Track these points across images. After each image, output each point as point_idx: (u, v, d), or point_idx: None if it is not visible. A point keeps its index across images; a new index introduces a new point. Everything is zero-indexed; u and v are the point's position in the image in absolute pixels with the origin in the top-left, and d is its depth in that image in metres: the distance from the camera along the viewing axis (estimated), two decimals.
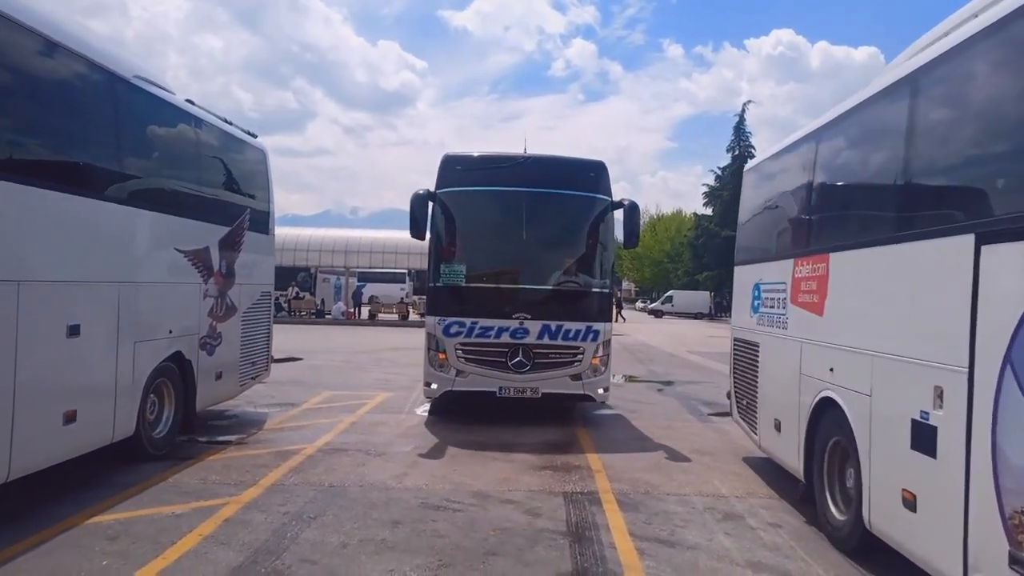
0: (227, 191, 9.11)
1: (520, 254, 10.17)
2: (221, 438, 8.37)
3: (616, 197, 10.19)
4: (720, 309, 60.75)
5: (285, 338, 20.45)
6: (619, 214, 10.37)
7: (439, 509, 5.96)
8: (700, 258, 60.51)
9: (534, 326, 9.53)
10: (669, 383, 15.06)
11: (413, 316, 36.76)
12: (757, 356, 7.43)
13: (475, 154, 10.50)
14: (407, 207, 9.66)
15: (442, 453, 8.01)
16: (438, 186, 9.84)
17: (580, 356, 9.66)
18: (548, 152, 11.56)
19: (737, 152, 65.39)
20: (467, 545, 5.14)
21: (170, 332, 7.45)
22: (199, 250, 8.04)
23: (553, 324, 9.59)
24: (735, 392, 8.34)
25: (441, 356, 9.56)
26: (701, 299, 59.41)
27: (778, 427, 6.72)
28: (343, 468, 7.15)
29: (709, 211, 65.80)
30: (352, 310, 38.79)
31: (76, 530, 5.16)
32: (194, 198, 8.12)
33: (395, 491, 6.44)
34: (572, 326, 9.65)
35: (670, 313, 58.88)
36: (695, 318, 55.33)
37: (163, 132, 7.67)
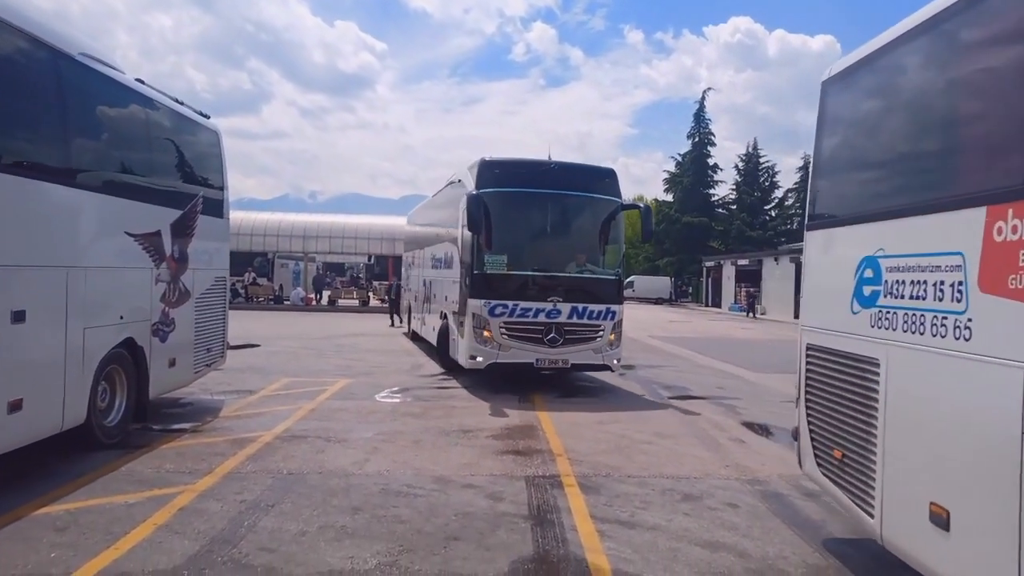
0: (179, 173, 8.88)
1: (551, 246, 11.93)
2: (176, 426, 8.19)
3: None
4: (680, 294, 61.56)
5: (242, 324, 20.15)
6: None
7: (400, 495, 5.92)
8: (661, 244, 61.11)
9: (565, 308, 11.29)
10: (630, 367, 15.19)
11: (374, 302, 36.47)
12: (876, 384, 4.15)
13: (510, 159, 12.20)
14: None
15: (404, 439, 7.96)
16: (478, 187, 11.31)
17: (601, 333, 11.54)
18: (563, 158, 13.59)
19: (697, 139, 66.15)
20: (428, 530, 5.12)
21: (121, 318, 7.25)
22: (150, 234, 7.82)
23: (580, 306, 11.41)
24: (813, 432, 5.01)
25: (486, 333, 11.19)
26: (662, 284, 60.08)
27: (946, 522, 3.57)
28: (302, 455, 7.06)
29: (669, 197, 66.48)
30: (313, 296, 38.33)
31: (23, 522, 5.00)
32: (145, 181, 7.89)
33: (355, 477, 6.38)
34: (595, 307, 11.50)
35: (631, 298, 59.24)
36: (656, 303, 55.94)
37: (111, 112, 7.42)
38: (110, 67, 7.29)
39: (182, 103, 8.99)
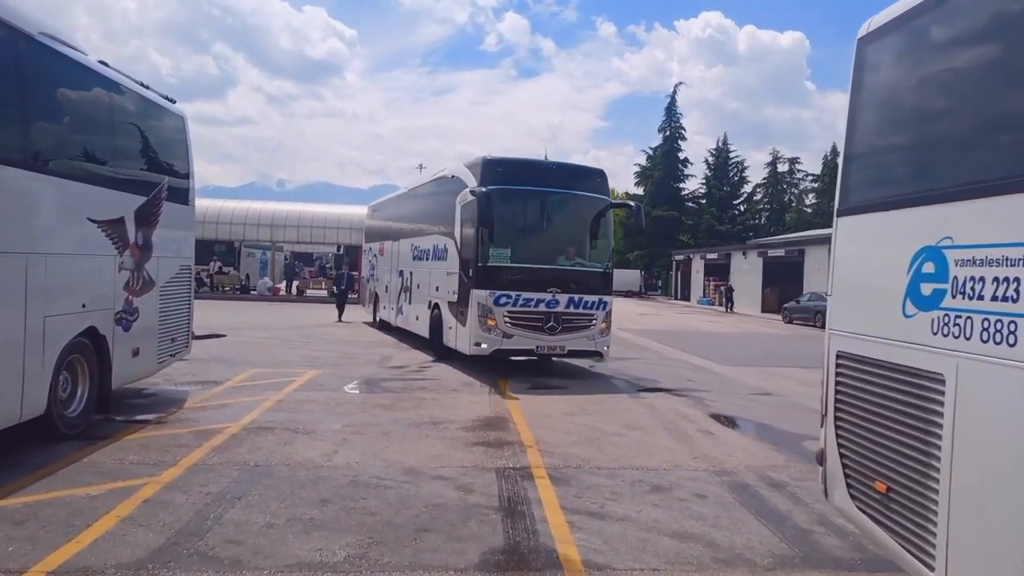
0: (144, 159, 8.67)
1: (549, 241, 12.63)
2: (139, 417, 8.03)
3: None
4: (650, 287, 62.04)
5: (208, 314, 19.83)
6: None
7: (370, 487, 5.87)
8: (631, 237, 61.52)
9: (563, 298, 12.15)
10: (599, 360, 15.25)
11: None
12: (939, 405, 3.29)
13: (511, 158, 13.07)
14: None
15: (373, 431, 7.90)
16: (482, 184, 11.93)
17: (594, 322, 12.45)
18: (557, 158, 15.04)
19: (668, 133, 66.67)
20: (398, 522, 5.08)
21: (83, 306, 7.07)
22: (113, 221, 7.63)
23: (576, 297, 12.26)
24: (846, 458, 4.16)
25: (491, 321, 11.92)
26: (632, 277, 60.47)
27: None
28: (269, 447, 6.97)
29: (640, 191, 66.91)
30: (281, 286, 37.87)
31: None
32: (108, 166, 7.70)
33: (324, 469, 6.31)
34: (589, 298, 12.39)
35: None
36: (626, 296, 56.30)
37: (73, 95, 7.21)
38: (72, 48, 7.07)
39: (147, 87, 8.78)
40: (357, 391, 10.35)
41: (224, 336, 16.70)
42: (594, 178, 13.09)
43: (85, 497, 5.30)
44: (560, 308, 12.12)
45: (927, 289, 3.44)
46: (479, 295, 11.98)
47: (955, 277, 3.25)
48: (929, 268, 3.44)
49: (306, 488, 5.74)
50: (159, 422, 7.88)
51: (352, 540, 4.70)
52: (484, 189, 11.76)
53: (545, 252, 12.51)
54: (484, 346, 12.03)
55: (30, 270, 6.10)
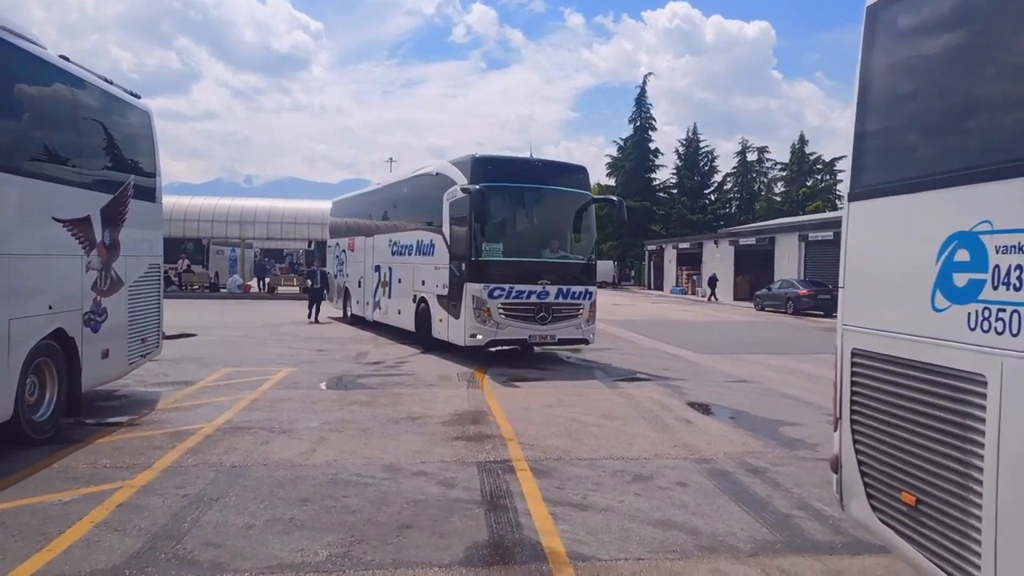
0: (109, 156, 8.46)
1: (538, 235, 13.35)
2: (111, 419, 7.87)
3: None
4: (623, 278, 62.33)
5: (178, 314, 19.52)
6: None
7: (350, 484, 5.80)
8: (604, 228, 61.70)
9: (552, 289, 12.76)
10: (576, 350, 15.29)
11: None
12: (979, 409, 2.96)
13: (499, 156, 13.70)
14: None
15: (351, 428, 7.81)
16: (472, 181, 12.41)
17: (581, 311, 13.13)
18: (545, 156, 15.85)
19: (639, 123, 66.89)
20: (380, 519, 5.03)
21: (49, 308, 6.89)
22: (79, 220, 7.43)
23: (564, 288, 12.91)
24: (865, 467, 3.80)
25: (485, 313, 12.43)
26: (605, 268, 60.65)
27: None
28: (245, 447, 6.86)
29: (612, 182, 67.11)
30: (251, 283, 37.38)
31: None
32: (71, 163, 7.50)
33: (302, 468, 6.23)
34: (576, 289, 13.07)
35: None
36: (599, 287, 56.51)
37: (32, 91, 7.00)
38: (31, 42, 6.87)
39: (111, 82, 8.56)
40: (333, 388, 10.24)
41: (195, 335, 16.43)
42: (577, 174, 13.85)
43: (57, 503, 5.17)
44: (550, 299, 12.75)
45: (961, 280, 3.08)
46: (473, 288, 12.48)
47: (996, 266, 2.90)
48: (963, 256, 3.09)
49: (284, 488, 5.66)
50: (131, 424, 7.72)
51: (334, 539, 4.64)
52: (477, 186, 12.18)
53: (535, 246, 13.17)
54: (480, 337, 12.50)
55: None
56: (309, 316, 21.92)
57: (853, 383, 3.87)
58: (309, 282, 23.45)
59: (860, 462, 3.79)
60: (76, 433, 7.21)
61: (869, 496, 3.72)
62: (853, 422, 3.85)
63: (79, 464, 6.19)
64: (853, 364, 3.87)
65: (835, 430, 4.04)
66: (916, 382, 3.32)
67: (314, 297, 22.34)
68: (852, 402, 3.87)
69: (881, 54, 3.90)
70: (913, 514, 3.35)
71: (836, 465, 4.03)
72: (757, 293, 35.16)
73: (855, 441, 3.83)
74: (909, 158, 3.75)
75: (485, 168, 12.77)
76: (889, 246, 3.72)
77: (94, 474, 5.91)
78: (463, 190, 12.53)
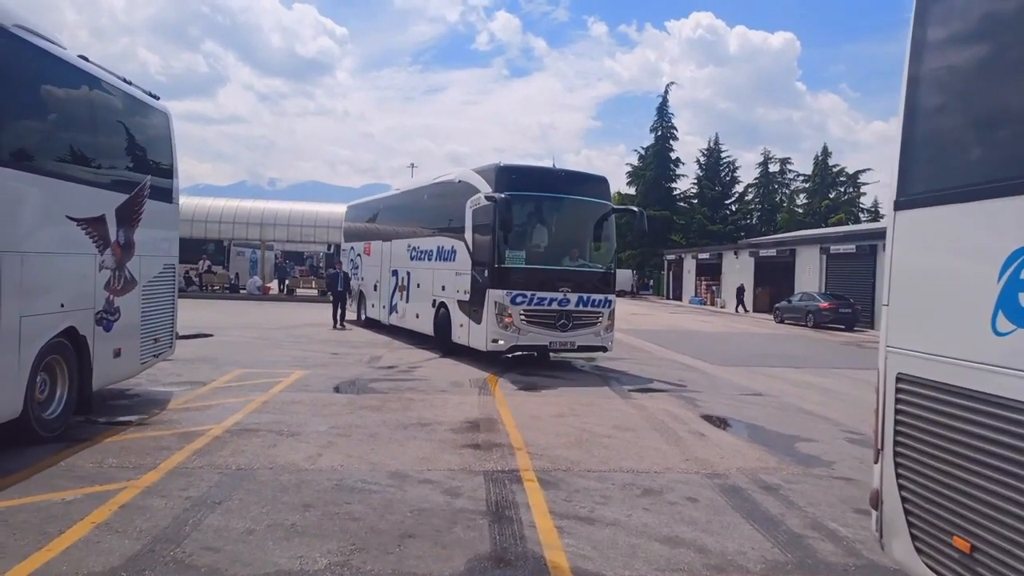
0: (125, 156, 8.50)
1: (560, 243, 13.47)
2: (121, 418, 7.87)
3: None
4: (642, 287, 62.02)
5: (196, 314, 19.66)
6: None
7: (354, 491, 5.74)
8: (623, 237, 61.50)
9: (573, 297, 12.98)
10: (591, 359, 15.17)
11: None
12: None
13: (523, 166, 13.99)
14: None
15: (360, 433, 7.76)
16: (497, 190, 12.60)
17: (600, 319, 13.35)
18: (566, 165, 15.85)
19: (660, 132, 66.64)
20: (382, 528, 4.95)
21: (62, 306, 6.90)
22: (94, 219, 7.46)
23: (585, 295, 13.12)
24: (910, 506, 3.43)
25: (507, 319, 12.65)
26: (624, 277, 60.41)
27: None
28: (252, 450, 6.82)
29: (632, 191, 66.86)
30: (270, 285, 37.59)
31: None
32: (88, 163, 7.53)
33: (308, 473, 6.17)
34: (596, 297, 13.28)
35: None
36: (618, 295, 56.28)
37: (51, 90, 7.03)
38: (50, 42, 6.90)
39: (130, 82, 8.60)
40: (344, 392, 10.20)
41: (211, 336, 16.50)
42: (598, 184, 14.08)
43: (60, 502, 5.15)
44: (571, 306, 12.95)
45: None
46: (496, 295, 12.69)
47: None
48: None
49: (288, 492, 5.61)
50: (141, 424, 7.72)
51: (334, 547, 4.56)
52: (503, 195, 12.33)
53: (554, 254, 13.35)
54: (501, 343, 12.74)
55: (5, 269, 5.93)
56: (335, 323, 20.55)
57: (898, 411, 3.49)
58: (329, 287, 22.06)
59: (904, 499, 3.42)
60: (85, 431, 7.22)
61: (914, 538, 3.36)
62: (896, 454, 3.48)
63: (85, 463, 6.18)
64: (898, 391, 3.49)
65: (875, 462, 3.67)
66: (972, 413, 2.96)
67: (338, 301, 21.05)
68: (896, 432, 3.48)
69: (936, 46, 3.49)
70: (968, 563, 2.98)
71: (876, 501, 3.66)
72: (777, 305, 34.76)
73: (898, 476, 3.47)
74: (967, 162, 3.30)
75: (509, 177, 12.96)
76: (942, 261, 3.33)
77: (99, 473, 5.90)
78: (487, 198, 12.71)
